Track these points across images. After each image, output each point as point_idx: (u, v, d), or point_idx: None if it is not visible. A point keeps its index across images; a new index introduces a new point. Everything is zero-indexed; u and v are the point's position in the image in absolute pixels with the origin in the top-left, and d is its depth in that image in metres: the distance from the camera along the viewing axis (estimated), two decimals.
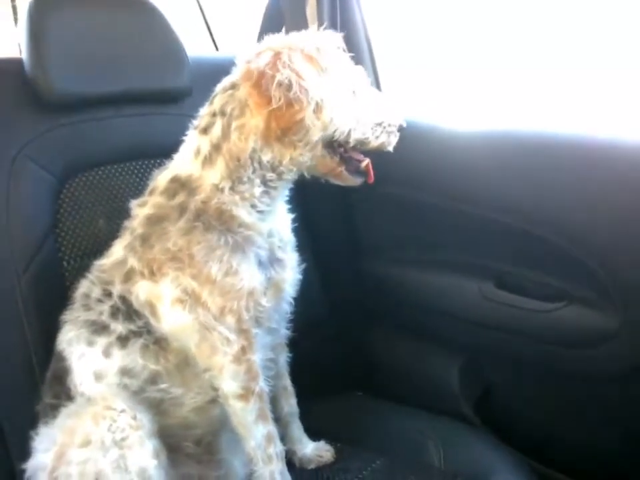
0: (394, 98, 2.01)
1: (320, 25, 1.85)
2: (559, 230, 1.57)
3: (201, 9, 2.31)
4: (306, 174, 1.36)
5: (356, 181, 1.38)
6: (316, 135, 1.26)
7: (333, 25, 1.88)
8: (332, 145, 1.32)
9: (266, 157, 1.29)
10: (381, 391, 1.95)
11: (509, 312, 1.69)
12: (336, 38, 1.34)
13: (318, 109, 1.24)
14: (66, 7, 1.62)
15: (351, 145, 1.32)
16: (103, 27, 1.64)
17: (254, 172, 1.30)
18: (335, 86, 1.27)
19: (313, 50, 1.27)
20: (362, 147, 1.34)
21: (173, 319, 1.28)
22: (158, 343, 1.31)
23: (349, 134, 1.30)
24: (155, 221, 1.30)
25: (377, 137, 1.33)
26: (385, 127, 1.33)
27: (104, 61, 1.62)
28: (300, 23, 1.85)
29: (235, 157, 1.29)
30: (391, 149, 1.36)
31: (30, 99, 1.54)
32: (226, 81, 1.33)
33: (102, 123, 1.63)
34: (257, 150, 1.29)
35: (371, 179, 1.39)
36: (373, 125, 1.32)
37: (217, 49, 2.34)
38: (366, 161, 1.36)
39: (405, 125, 1.36)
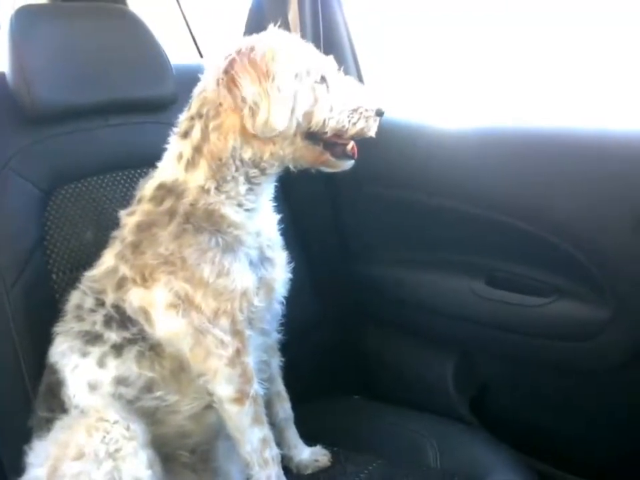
0: (378, 94, 2.02)
1: (302, 28, 1.87)
2: (548, 225, 1.58)
3: (184, 16, 2.31)
4: (291, 167, 1.37)
5: (345, 165, 1.38)
6: (291, 129, 1.28)
7: (315, 28, 1.88)
8: (313, 135, 1.32)
9: (247, 155, 1.30)
10: (376, 392, 1.95)
11: (501, 308, 1.70)
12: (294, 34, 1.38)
13: (252, 112, 1.25)
14: (48, 19, 1.62)
15: (329, 134, 1.32)
16: (86, 38, 1.64)
17: (237, 170, 1.31)
18: (284, 86, 1.26)
19: (260, 55, 1.27)
20: (340, 135, 1.33)
21: (166, 324, 1.28)
22: (153, 350, 1.30)
23: (324, 123, 1.30)
24: (145, 227, 1.30)
25: (355, 124, 1.31)
26: (361, 113, 1.32)
27: (87, 72, 1.61)
28: (282, 27, 1.85)
29: (217, 157, 1.30)
30: (372, 134, 1.34)
31: (13, 112, 1.53)
32: (200, 85, 1.34)
33: (87, 133, 1.62)
34: (237, 148, 1.30)
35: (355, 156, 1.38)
36: (348, 111, 1.31)
37: (201, 56, 2.34)
38: (351, 144, 1.35)
39: (384, 110, 1.34)
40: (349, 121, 1.31)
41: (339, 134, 1.33)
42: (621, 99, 1.81)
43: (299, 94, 1.28)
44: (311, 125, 1.30)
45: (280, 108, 1.25)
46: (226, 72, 1.26)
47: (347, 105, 1.31)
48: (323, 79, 1.32)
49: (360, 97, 1.33)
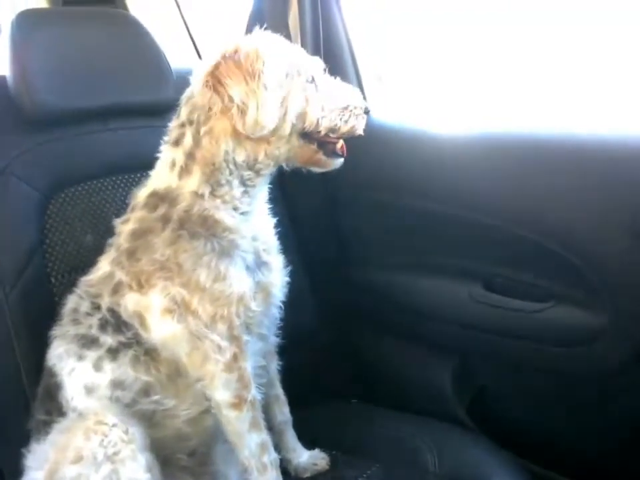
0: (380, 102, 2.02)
1: (302, 31, 1.87)
2: (545, 231, 1.58)
3: (183, 19, 2.32)
4: (284, 165, 1.39)
5: (335, 163, 1.41)
6: (287, 128, 1.30)
7: (314, 31, 1.89)
8: (307, 134, 1.35)
9: (240, 157, 1.31)
10: (374, 396, 1.95)
11: (499, 314, 1.70)
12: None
13: (241, 112, 1.26)
14: (49, 24, 1.63)
15: (322, 133, 1.35)
16: (86, 42, 1.65)
17: (231, 174, 1.32)
18: (271, 84, 1.27)
19: (244, 56, 1.27)
20: (333, 133, 1.36)
21: (162, 329, 1.28)
22: (148, 354, 1.30)
23: (318, 123, 1.33)
24: (140, 234, 1.30)
25: (346, 122, 1.35)
26: (351, 111, 1.36)
27: (87, 76, 1.62)
28: (282, 31, 1.86)
29: (210, 162, 1.30)
30: (361, 132, 1.38)
31: (14, 116, 1.54)
32: (188, 91, 1.35)
33: (87, 137, 1.62)
34: (230, 151, 1.30)
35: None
36: (339, 110, 1.35)
37: (201, 59, 2.34)
38: (340, 143, 1.39)
39: (370, 108, 1.39)
40: (341, 119, 1.35)
41: (330, 132, 1.35)
42: (621, 104, 1.81)
43: (292, 93, 1.30)
44: (305, 124, 1.33)
45: (268, 106, 1.26)
46: (211, 74, 1.27)
47: (337, 104, 1.35)
48: (312, 79, 1.35)
49: (347, 96, 1.37)
